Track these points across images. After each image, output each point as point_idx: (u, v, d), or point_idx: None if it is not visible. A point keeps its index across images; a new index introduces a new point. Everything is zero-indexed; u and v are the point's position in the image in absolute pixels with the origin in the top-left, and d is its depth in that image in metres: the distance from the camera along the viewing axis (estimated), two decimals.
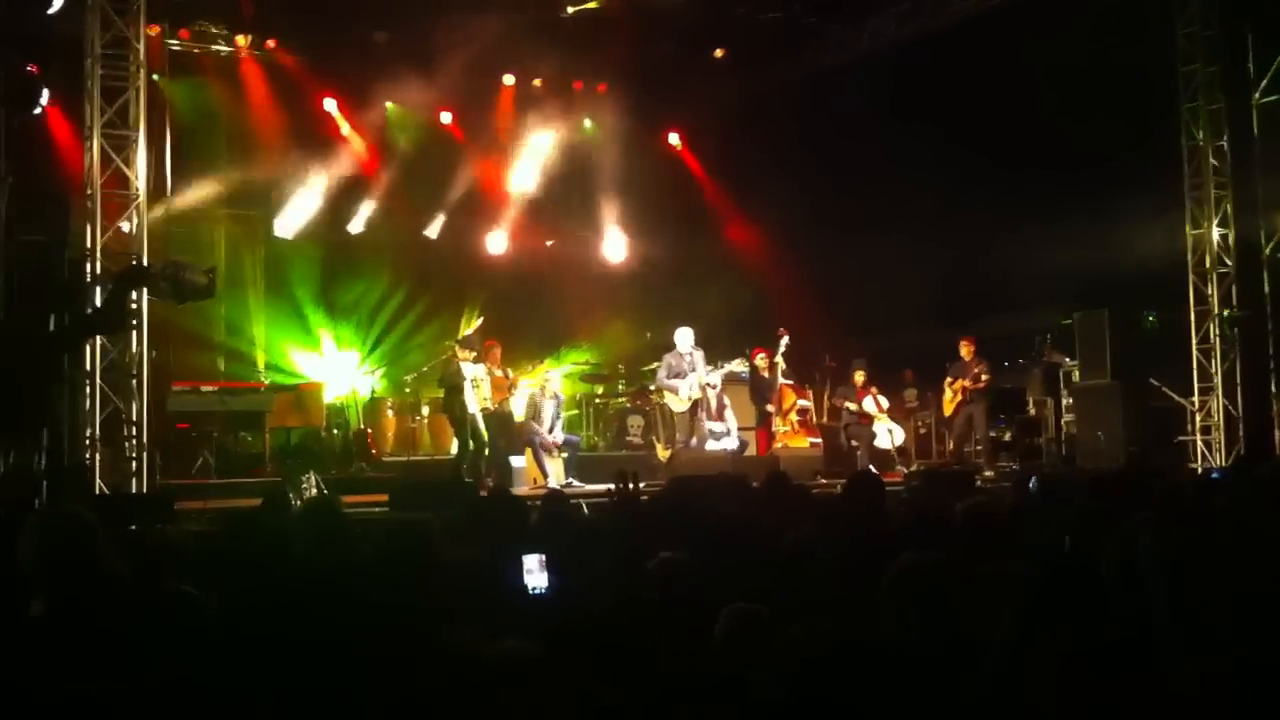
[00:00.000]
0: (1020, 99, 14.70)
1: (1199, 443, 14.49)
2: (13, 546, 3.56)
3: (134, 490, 11.21)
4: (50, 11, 12.18)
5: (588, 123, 18.20)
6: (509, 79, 17.40)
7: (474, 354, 13.05)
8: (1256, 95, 14.21)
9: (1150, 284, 14.60)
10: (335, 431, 15.29)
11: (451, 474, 12.71)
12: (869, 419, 15.19)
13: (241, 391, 14.55)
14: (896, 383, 16.93)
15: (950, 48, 15.35)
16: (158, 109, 13.72)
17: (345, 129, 17.03)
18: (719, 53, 17.31)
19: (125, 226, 11.60)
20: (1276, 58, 14.04)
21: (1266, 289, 14.13)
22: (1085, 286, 14.67)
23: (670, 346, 13.94)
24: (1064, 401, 15.52)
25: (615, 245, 18.79)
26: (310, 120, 16.58)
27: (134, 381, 11.49)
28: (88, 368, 11.19)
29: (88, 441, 11.17)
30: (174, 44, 15.28)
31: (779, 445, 14.52)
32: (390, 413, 16.05)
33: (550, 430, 13.43)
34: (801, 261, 17.19)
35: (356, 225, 17.32)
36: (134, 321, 11.57)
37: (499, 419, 13.66)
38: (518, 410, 14.20)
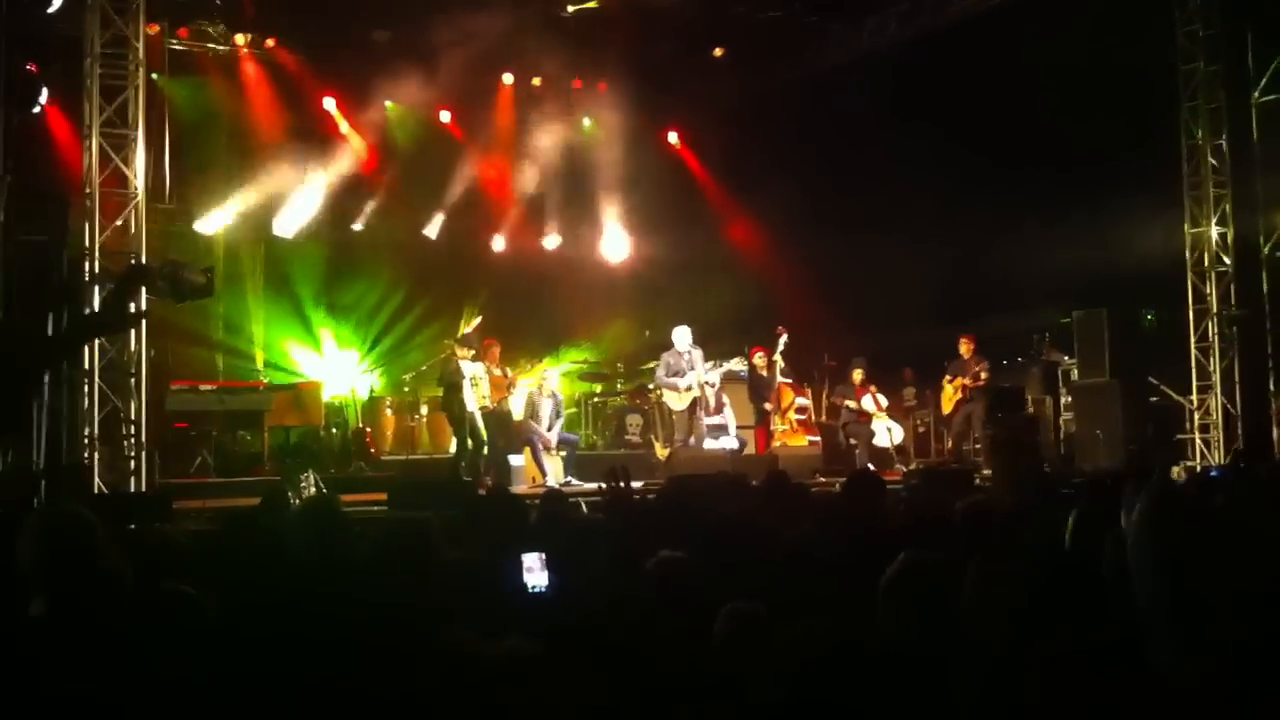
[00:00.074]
0: (1020, 98, 14.70)
1: (1198, 441, 14.49)
2: (12, 546, 3.56)
3: (132, 489, 11.21)
4: (50, 10, 12.18)
5: (587, 121, 18.20)
6: (508, 78, 17.40)
7: (473, 352, 13.04)
8: (1256, 94, 14.21)
9: (1149, 283, 14.60)
10: (334, 431, 15.29)
11: (450, 473, 12.71)
12: (868, 417, 15.20)
13: (240, 391, 14.55)
14: (895, 381, 16.93)
15: (950, 47, 15.35)
16: (157, 108, 13.73)
17: (344, 128, 17.03)
18: (718, 52, 17.31)
19: (123, 226, 11.59)
20: (1276, 57, 14.05)
21: (1265, 288, 14.13)
22: (1084, 285, 14.66)
23: (669, 345, 13.95)
24: (1063, 400, 15.52)
25: (614, 244, 18.79)
26: (309, 119, 16.58)
27: (132, 380, 11.49)
28: (86, 367, 11.19)
29: (86, 440, 11.18)
30: (173, 43, 15.27)
31: (778, 444, 14.53)
32: (389, 412, 16.05)
33: (549, 429, 13.44)
34: (801, 260, 17.19)
35: (356, 224, 17.32)
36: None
37: (498, 418, 13.65)
38: (516, 409, 14.21)
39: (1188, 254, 14.62)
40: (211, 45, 15.82)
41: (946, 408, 14.96)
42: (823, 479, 13.12)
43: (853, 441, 15.22)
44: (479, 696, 2.69)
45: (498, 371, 13.86)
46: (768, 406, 14.65)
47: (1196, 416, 14.53)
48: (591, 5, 15.29)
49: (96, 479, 11.09)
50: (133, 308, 10.60)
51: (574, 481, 12.90)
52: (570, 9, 15.22)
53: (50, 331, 10.36)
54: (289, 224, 16.59)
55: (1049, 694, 2.34)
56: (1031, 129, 14.69)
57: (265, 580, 4.14)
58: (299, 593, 3.77)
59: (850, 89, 16.35)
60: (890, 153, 15.69)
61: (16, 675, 3.04)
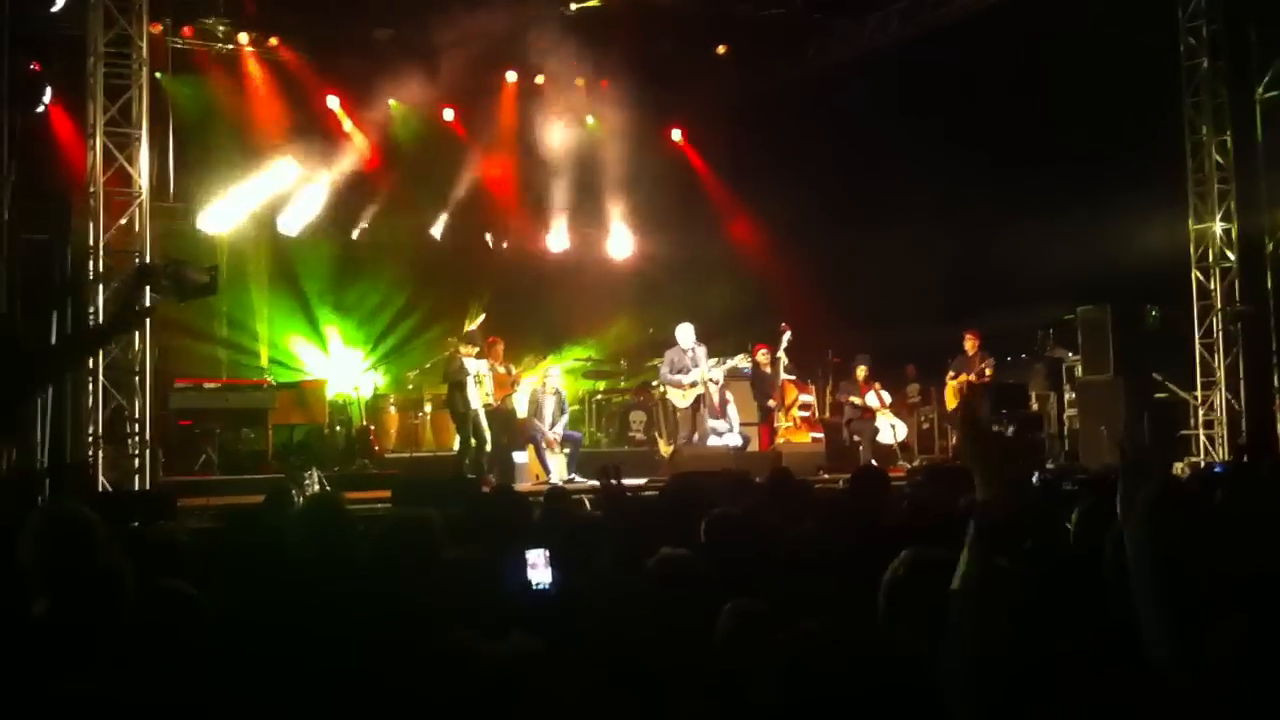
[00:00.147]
0: (1022, 94, 14.69)
1: (1202, 437, 14.48)
2: (14, 545, 3.56)
3: (136, 488, 11.22)
4: (53, 10, 12.20)
5: (590, 119, 18.20)
6: (511, 76, 17.40)
7: (476, 350, 13.05)
8: (1260, 90, 14.19)
9: (1153, 279, 14.59)
10: (338, 428, 15.30)
11: (454, 471, 12.72)
12: (871, 414, 15.20)
13: (244, 389, 14.58)
14: (899, 378, 16.93)
15: (953, 44, 15.34)
16: (160, 107, 13.73)
17: (348, 126, 17.04)
18: (722, 49, 17.30)
19: (127, 225, 11.60)
20: (1278, 52, 14.03)
21: (1269, 284, 14.12)
22: (1088, 282, 14.65)
23: (672, 342, 13.95)
24: (1066, 397, 15.52)
25: (618, 241, 18.79)
26: (313, 118, 16.58)
27: (136, 379, 11.50)
28: (90, 365, 11.20)
29: (90, 439, 11.20)
30: (176, 42, 15.28)
31: (781, 441, 14.52)
32: (393, 409, 16.06)
33: (552, 426, 13.45)
34: (804, 257, 17.19)
35: (359, 223, 17.33)
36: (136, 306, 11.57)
37: (501, 415, 13.66)
38: (520, 407, 14.21)
39: (1192, 250, 14.60)
40: (214, 44, 15.83)
41: (950, 404, 14.95)
42: (826, 476, 13.13)
43: (856, 438, 15.22)
44: (482, 694, 2.69)
45: (501, 369, 13.86)
46: (771, 403, 14.65)
47: (1201, 413, 14.52)
48: (594, 3, 15.29)
49: (100, 477, 11.11)
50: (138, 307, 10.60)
51: (578, 479, 12.90)
52: (573, 6, 15.22)
53: (54, 332, 10.40)
54: (292, 222, 16.60)
55: (1049, 694, 2.34)
56: (1034, 125, 14.68)
57: (269, 578, 4.15)
58: (302, 591, 3.77)
59: (853, 86, 16.36)
60: (893, 149, 15.70)
61: (18, 674, 3.05)
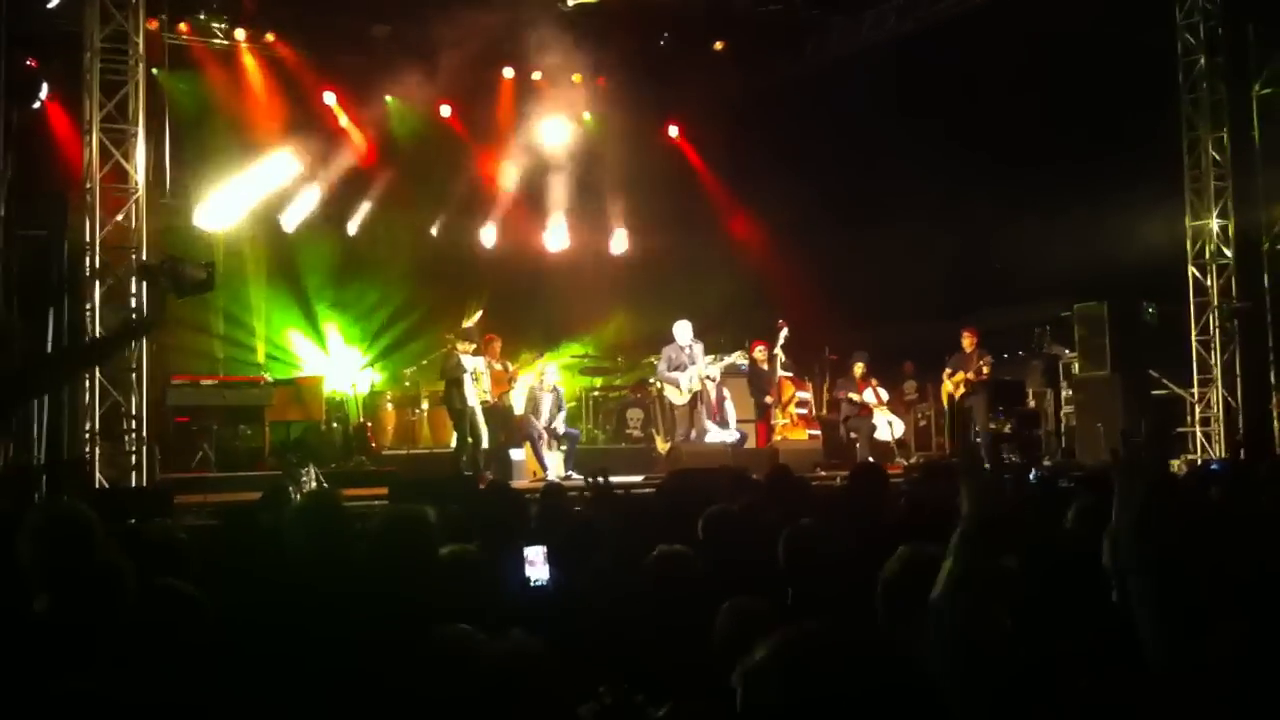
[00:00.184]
0: (1019, 91, 14.70)
1: (1198, 434, 14.49)
2: (11, 542, 3.56)
3: (133, 484, 11.21)
4: (49, 6, 12.18)
5: (587, 116, 18.18)
6: (509, 72, 17.38)
7: (474, 347, 13.04)
8: (1256, 87, 14.20)
9: (1150, 276, 14.60)
10: (335, 425, 15.30)
11: (451, 467, 12.72)
12: (869, 411, 15.20)
13: (241, 385, 14.56)
14: (896, 375, 16.93)
15: (950, 41, 15.33)
16: (157, 103, 13.70)
17: (344, 122, 17.02)
18: (719, 45, 17.29)
19: (123, 221, 11.59)
20: (1276, 49, 14.03)
21: (1266, 280, 14.13)
22: (1085, 279, 14.66)
23: (669, 339, 13.95)
24: (1063, 394, 15.53)
25: (615, 238, 18.78)
26: (310, 114, 16.56)
27: (133, 375, 11.49)
28: None
29: (87, 435, 11.18)
30: (173, 38, 15.24)
31: (778, 438, 14.52)
32: (390, 406, 16.06)
33: (550, 423, 13.45)
34: (801, 254, 17.19)
35: (356, 218, 17.32)
36: (133, 318, 11.56)
37: (499, 412, 13.66)
38: (517, 404, 14.21)
39: (1189, 247, 14.61)
40: (211, 40, 15.81)
41: (947, 401, 14.95)
42: (823, 473, 13.12)
43: (853, 435, 15.22)
44: (481, 691, 2.69)
45: (499, 366, 13.86)
46: (768, 400, 14.64)
47: (1197, 410, 14.53)
48: (591, 0, 15.27)
49: (97, 474, 11.10)
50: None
51: (575, 476, 12.88)
52: (570, 3, 15.19)
53: (50, 329, 10.38)
54: (289, 219, 16.59)
55: (1048, 693, 2.34)
56: (1031, 123, 14.69)
57: (266, 575, 4.14)
58: (300, 588, 3.77)
59: (850, 82, 16.35)
60: (891, 146, 15.71)
61: (18, 673, 3.04)
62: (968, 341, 14.59)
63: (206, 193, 15.60)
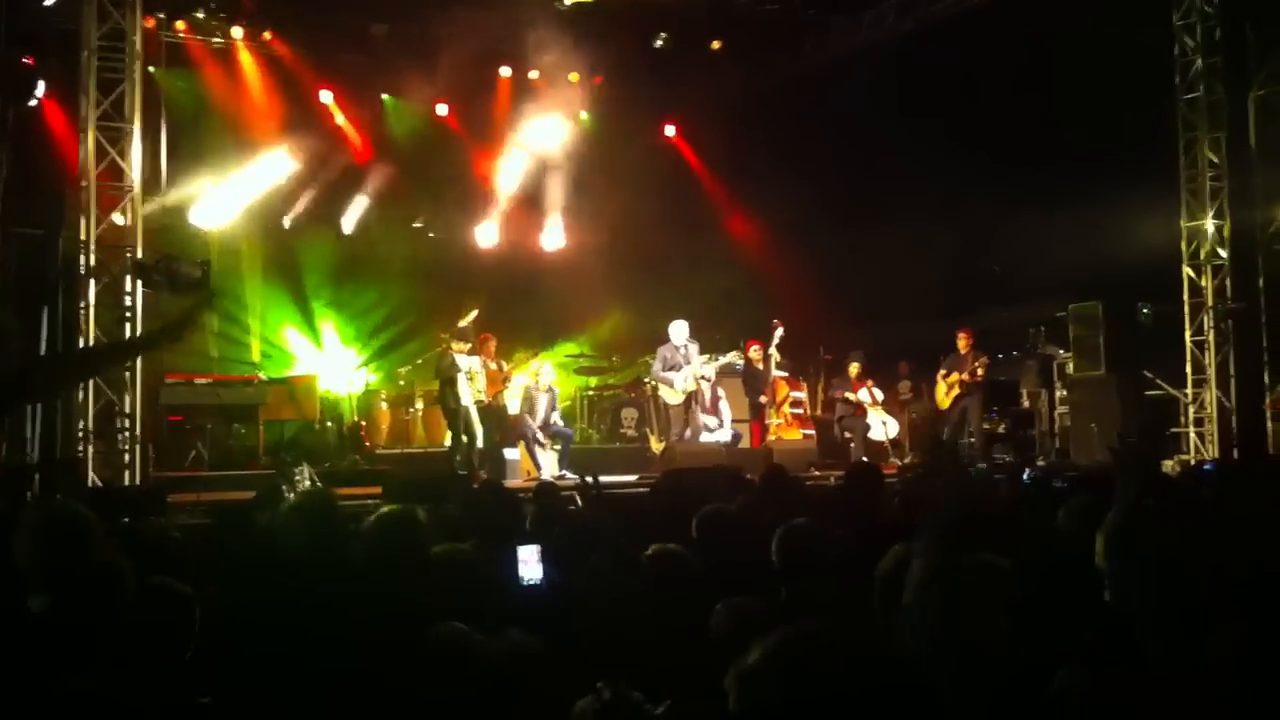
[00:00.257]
0: (1017, 91, 14.70)
1: (1192, 435, 14.50)
2: (6, 541, 3.55)
3: (126, 484, 11.20)
4: (46, 4, 12.16)
5: (584, 115, 18.18)
6: (506, 71, 17.37)
7: (469, 346, 13.04)
8: (1253, 87, 14.21)
9: (1145, 276, 14.60)
10: (329, 424, 15.29)
11: (445, 467, 12.71)
12: (864, 411, 15.21)
13: (235, 384, 14.54)
14: (891, 375, 16.94)
15: (949, 40, 15.34)
16: (153, 101, 13.70)
17: (341, 120, 17.01)
18: (716, 44, 17.29)
19: (119, 219, 11.59)
20: (1273, 50, 14.04)
21: (1261, 281, 14.13)
22: (1080, 279, 14.67)
23: (665, 339, 13.95)
24: (1058, 394, 15.54)
25: (611, 237, 18.77)
26: (307, 112, 16.55)
27: (127, 374, 11.47)
28: None
29: (81, 434, 11.17)
30: (170, 36, 15.24)
31: (773, 438, 14.53)
32: (384, 405, 16.06)
33: (545, 423, 13.44)
34: (797, 253, 17.19)
35: (352, 217, 17.31)
36: (128, 315, 11.56)
37: (493, 412, 13.65)
38: (512, 403, 14.21)
39: (1184, 247, 14.61)
40: (208, 38, 15.79)
41: (943, 402, 14.95)
42: (817, 472, 13.13)
43: (848, 435, 15.23)
44: (477, 691, 2.69)
45: (493, 365, 13.85)
46: (763, 400, 14.65)
47: (1191, 410, 14.53)
48: None
49: (91, 473, 11.08)
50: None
51: (569, 475, 12.89)
52: (567, 2, 15.18)
53: (45, 326, 10.37)
54: (285, 217, 16.58)
55: (1044, 694, 2.34)
56: (1028, 123, 14.69)
57: (260, 575, 4.13)
58: (294, 588, 3.77)
59: (849, 82, 16.35)
60: (887, 147, 15.71)
61: (17, 671, 3.04)
62: (963, 343, 14.59)
63: (203, 191, 15.60)
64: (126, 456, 11.39)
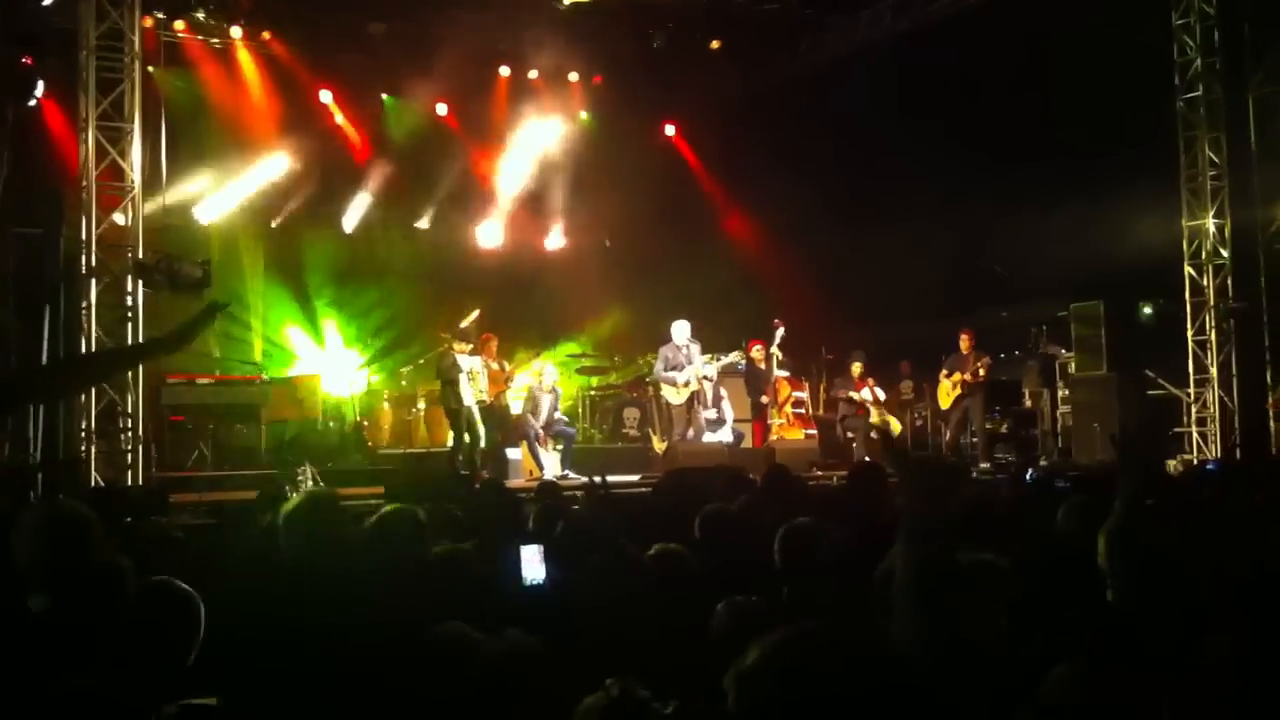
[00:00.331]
0: (1016, 91, 14.71)
1: (1194, 435, 14.49)
2: (9, 541, 3.55)
3: (129, 483, 11.20)
4: (45, 3, 12.15)
5: (584, 114, 18.18)
6: (505, 71, 17.37)
7: (470, 346, 13.03)
8: (1253, 86, 14.20)
9: (1146, 276, 14.61)
10: (331, 424, 15.29)
11: (448, 467, 12.71)
12: (865, 410, 15.20)
13: (237, 384, 14.54)
14: (892, 375, 16.94)
15: (947, 40, 15.34)
16: (152, 100, 13.70)
17: (340, 120, 17.01)
18: (715, 44, 17.29)
19: (120, 219, 11.59)
20: (1273, 50, 14.03)
21: (1262, 280, 14.13)
22: (1082, 278, 14.67)
23: (667, 339, 13.95)
24: (1060, 393, 15.54)
25: (611, 237, 18.78)
26: (306, 112, 16.55)
27: (129, 374, 11.47)
28: None
29: (83, 435, 11.17)
30: (169, 35, 15.24)
31: (774, 438, 14.52)
32: (386, 405, 16.05)
33: (547, 423, 13.44)
34: (798, 252, 17.20)
35: (352, 217, 17.31)
36: (129, 315, 11.56)
37: (495, 412, 13.65)
38: (514, 403, 14.21)
39: (1185, 246, 14.61)
40: (207, 37, 15.78)
41: (944, 402, 14.94)
42: (819, 472, 13.13)
43: (850, 434, 15.22)
44: (479, 691, 2.69)
45: (495, 365, 13.84)
46: (764, 400, 14.65)
47: (1194, 410, 14.52)
48: None
49: (93, 473, 11.09)
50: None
51: (571, 475, 12.89)
52: (566, 2, 15.18)
53: (46, 326, 10.37)
54: (286, 217, 16.58)
55: (1045, 692, 2.34)
56: (1028, 122, 14.70)
57: (262, 574, 4.14)
58: (296, 587, 3.77)
59: (848, 82, 16.36)
60: (887, 146, 15.71)
61: (17, 670, 3.04)
62: (965, 344, 14.58)
63: (203, 190, 15.60)
64: (129, 456, 11.39)
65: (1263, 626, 2.55)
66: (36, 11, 12.27)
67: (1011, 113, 14.72)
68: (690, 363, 13.66)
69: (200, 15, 15.42)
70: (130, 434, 11.41)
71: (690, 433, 13.68)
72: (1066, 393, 15.30)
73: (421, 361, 15.56)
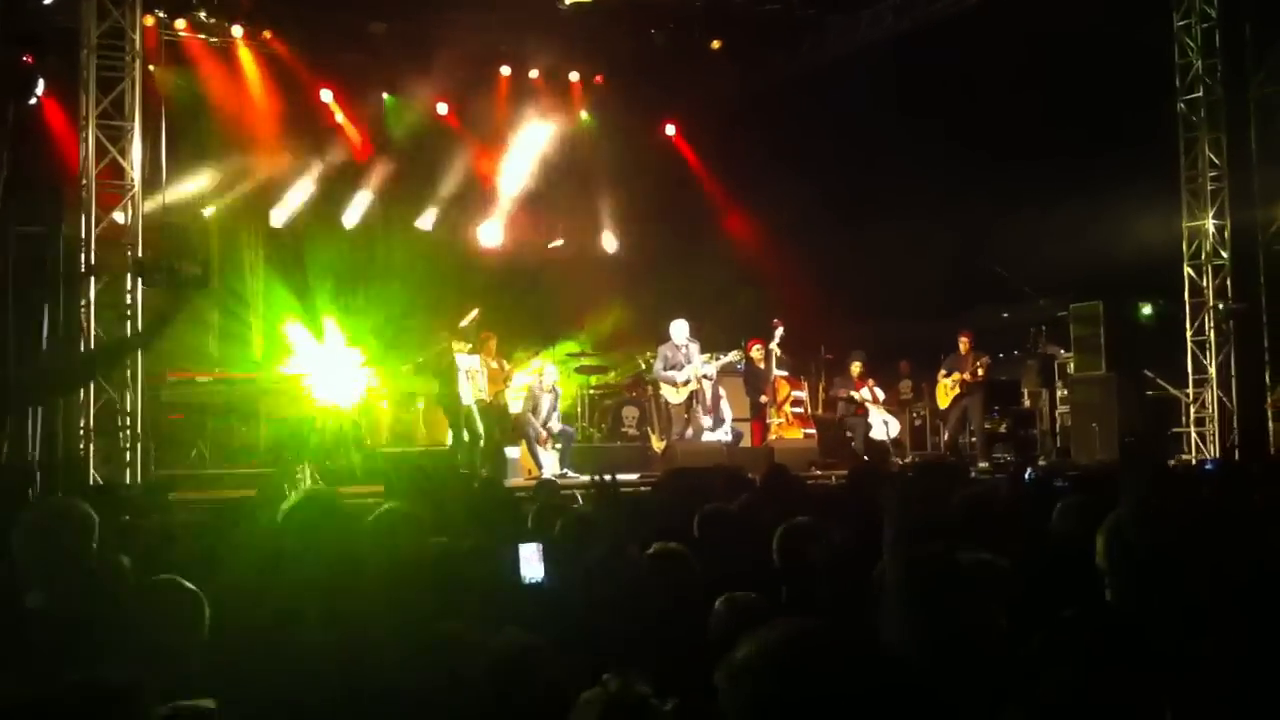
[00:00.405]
0: (1016, 90, 14.71)
1: (1193, 435, 14.49)
2: (8, 539, 3.56)
3: (128, 481, 11.20)
4: (46, 2, 12.16)
5: (584, 114, 18.18)
6: (506, 70, 17.37)
7: (469, 345, 13.03)
8: (1253, 87, 14.21)
9: (1146, 276, 14.61)
10: (330, 422, 15.25)
11: (447, 465, 12.70)
12: (864, 409, 15.21)
13: (236, 382, 14.54)
14: (892, 374, 16.94)
15: (948, 39, 15.34)
16: (153, 99, 13.69)
17: (341, 119, 17.01)
18: (716, 44, 17.28)
19: (120, 217, 11.59)
20: (1273, 51, 14.04)
21: (1262, 280, 14.13)
22: (1081, 278, 14.67)
23: (666, 338, 13.95)
24: (1059, 393, 15.54)
25: (611, 236, 18.78)
26: (306, 111, 16.54)
27: (128, 372, 11.48)
28: None
29: (82, 432, 11.17)
30: (169, 34, 15.24)
31: (773, 437, 14.51)
32: (386, 404, 16.03)
33: (546, 421, 13.44)
34: (798, 252, 17.19)
35: (352, 215, 17.30)
36: (129, 313, 11.56)
37: (494, 410, 13.65)
38: (514, 402, 14.20)
39: (1184, 247, 14.61)
40: (208, 36, 15.78)
41: (943, 402, 14.95)
42: (818, 472, 13.13)
43: (849, 434, 15.22)
44: (478, 688, 2.69)
45: (494, 364, 13.85)
46: (763, 399, 14.64)
47: (1193, 410, 14.53)
48: None
49: (92, 471, 11.09)
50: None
51: (570, 474, 12.89)
52: (567, 2, 15.18)
53: (45, 325, 10.36)
54: (285, 215, 16.58)
55: (1044, 692, 2.34)
56: (1028, 122, 14.70)
57: (261, 572, 4.14)
58: (295, 585, 3.77)
59: (848, 81, 16.36)
60: (887, 146, 15.72)
61: (15, 667, 3.04)
62: (964, 344, 14.58)
63: (203, 189, 15.59)
64: (128, 454, 11.41)
65: (1261, 626, 2.55)
66: (37, 10, 12.27)
67: (1011, 112, 14.73)
68: (689, 362, 13.66)
69: (201, 14, 15.41)
70: (129, 432, 11.42)
71: (689, 432, 13.68)
72: (1065, 392, 15.31)
73: (421, 360, 15.54)
